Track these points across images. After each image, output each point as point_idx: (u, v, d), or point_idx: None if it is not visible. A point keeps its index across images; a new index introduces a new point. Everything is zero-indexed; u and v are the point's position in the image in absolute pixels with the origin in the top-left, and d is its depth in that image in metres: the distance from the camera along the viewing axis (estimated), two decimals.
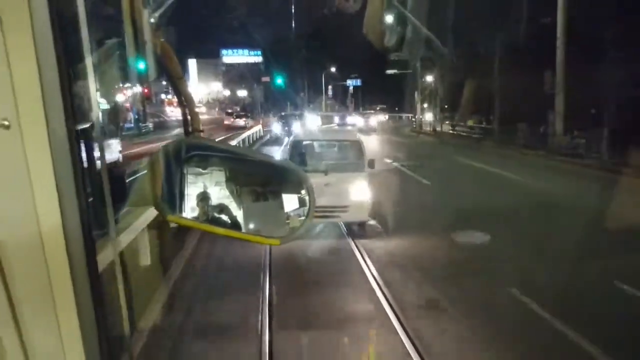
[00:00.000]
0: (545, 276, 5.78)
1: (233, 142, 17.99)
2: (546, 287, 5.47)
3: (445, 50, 28.31)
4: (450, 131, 28.75)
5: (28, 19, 0.79)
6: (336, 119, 38.13)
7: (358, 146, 8.56)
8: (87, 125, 0.98)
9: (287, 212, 1.50)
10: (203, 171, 1.47)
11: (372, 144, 22.07)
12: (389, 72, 49.08)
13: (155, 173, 1.28)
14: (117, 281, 1.28)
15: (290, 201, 1.50)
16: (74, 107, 0.88)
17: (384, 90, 55.24)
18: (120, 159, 14.07)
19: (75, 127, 0.88)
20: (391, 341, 4.54)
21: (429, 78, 39.89)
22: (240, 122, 40.76)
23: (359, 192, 7.69)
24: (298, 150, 8.43)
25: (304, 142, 9.04)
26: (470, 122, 27.68)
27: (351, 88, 63.74)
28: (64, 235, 0.84)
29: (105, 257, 1.16)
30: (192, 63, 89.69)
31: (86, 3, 1.04)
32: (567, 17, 16.87)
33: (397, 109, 57.11)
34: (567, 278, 5.59)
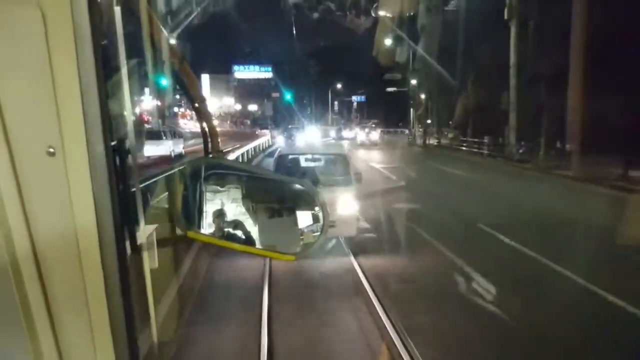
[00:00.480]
0: (435, 220, 10.03)
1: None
2: (433, 223, 9.68)
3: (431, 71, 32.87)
4: (435, 143, 33.03)
5: (72, 43, 0.83)
6: (332, 133, 41.54)
7: (344, 160, 8.59)
8: (121, 140, 1.02)
9: (301, 229, 1.57)
10: (221, 189, 1.53)
11: (368, 154, 26.44)
12: (389, 89, 53.78)
13: (176, 191, 1.34)
14: (148, 293, 1.37)
15: (304, 218, 1.57)
16: (111, 124, 0.92)
17: (386, 106, 59.64)
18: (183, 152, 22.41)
19: (111, 143, 0.91)
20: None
21: (423, 96, 44.17)
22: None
23: (346, 206, 7.56)
24: (283, 165, 8.35)
25: (290, 157, 8.98)
26: (450, 135, 32.05)
27: (355, 104, 68.22)
28: (99, 249, 0.88)
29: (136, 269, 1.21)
30: (205, 78, 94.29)
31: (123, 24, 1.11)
32: (518, 53, 21.29)
33: (400, 124, 60.83)
34: (456, 220, 9.86)
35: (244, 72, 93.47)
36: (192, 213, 1.40)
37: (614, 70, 15.07)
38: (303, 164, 8.76)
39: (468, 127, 29.13)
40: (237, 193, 1.55)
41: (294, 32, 55.05)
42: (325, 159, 8.99)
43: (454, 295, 6.00)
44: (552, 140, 19.88)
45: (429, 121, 35.90)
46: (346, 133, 43.07)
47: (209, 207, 1.49)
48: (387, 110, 61.82)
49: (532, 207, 11.42)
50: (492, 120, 24.44)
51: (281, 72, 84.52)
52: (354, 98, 72.16)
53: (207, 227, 1.47)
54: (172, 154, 21.17)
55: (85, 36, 0.83)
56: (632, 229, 7.60)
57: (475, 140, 26.66)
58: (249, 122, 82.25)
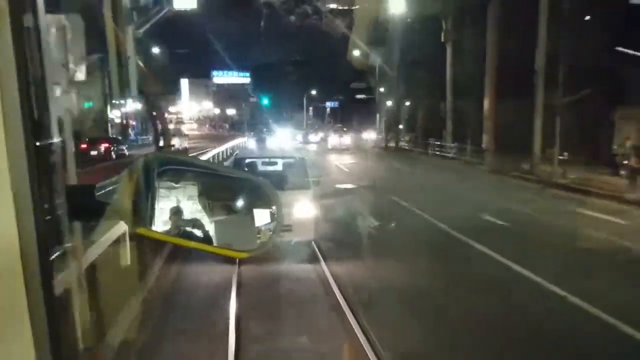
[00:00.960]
0: (364, 193, 14.28)
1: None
2: (362, 195, 13.90)
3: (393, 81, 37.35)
4: (394, 146, 37.52)
5: None
6: (299, 137, 44.33)
7: (302, 164, 8.68)
8: (53, 141, 0.96)
9: (258, 227, 1.56)
10: (176, 185, 1.50)
11: (335, 155, 30.69)
12: (358, 96, 58.35)
13: (128, 187, 1.31)
14: (74, 295, 1.29)
15: (261, 216, 1.57)
16: (36, 123, 0.88)
17: (358, 111, 64.04)
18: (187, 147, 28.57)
19: (36, 142, 0.88)
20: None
21: (389, 103, 48.65)
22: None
23: (303, 210, 7.55)
24: (239, 169, 8.02)
25: (247, 160, 8.98)
26: (406, 138, 36.64)
27: (328, 109, 72.58)
28: (20, 252, 0.83)
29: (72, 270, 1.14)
30: (184, 82, 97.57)
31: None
32: (452, 70, 25.92)
33: (380, 128, 64.67)
34: (377, 194, 14.12)
35: (222, 77, 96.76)
36: (143, 209, 1.35)
37: (516, 86, 19.63)
38: (260, 167, 8.73)
39: (421, 131, 33.68)
40: (193, 190, 1.53)
41: (271, 37, 58.90)
42: (283, 162, 8.94)
43: (355, 223, 10.29)
44: (479, 141, 24.46)
45: (401, 127, 39.93)
46: (312, 137, 45.21)
47: (164, 204, 1.46)
48: (359, 116, 66.24)
49: (440, 187, 15.87)
50: (439, 125, 29.03)
51: (259, 77, 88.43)
52: (328, 104, 76.39)
53: (163, 224, 1.44)
54: (181, 147, 27.52)
55: (5, 43, 0.80)
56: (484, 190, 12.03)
57: (426, 142, 31.20)
58: (227, 125, 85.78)
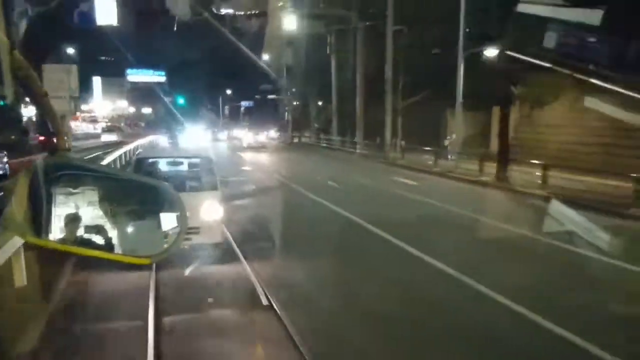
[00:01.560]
0: (262, 176, 19.31)
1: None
2: (262, 178, 18.91)
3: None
4: (297, 140, 42.98)
5: None
6: (209, 134, 46.94)
7: (209, 164, 8.43)
8: None
9: (165, 231, 1.54)
10: (74, 191, 1.43)
11: (248, 149, 35.15)
12: (270, 97, 63.36)
13: (19, 194, 1.23)
14: None
15: (168, 220, 1.55)
16: None
17: (268, 110, 68.92)
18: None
19: None
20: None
21: (295, 103, 54.11)
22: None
23: (210, 212, 7.35)
24: (142, 170, 7.78)
25: (149, 161, 8.58)
26: (306, 134, 42.19)
27: (243, 108, 76.93)
28: None
29: None
30: (96, 81, 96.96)
31: None
32: (338, 78, 31.61)
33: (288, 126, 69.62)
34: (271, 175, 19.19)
35: (137, 76, 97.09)
36: (37, 217, 1.25)
37: (378, 91, 25.54)
38: (164, 168, 8.38)
39: (316, 129, 39.30)
40: (93, 195, 1.44)
41: (187, 37, 61.78)
42: (188, 162, 8.60)
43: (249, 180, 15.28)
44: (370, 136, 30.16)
45: (316, 126, 45.08)
46: (221, 135, 48.27)
47: (61, 211, 1.36)
48: (270, 114, 71.13)
49: (312, 167, 21.26)
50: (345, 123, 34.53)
51: (175, 76, 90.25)
52: (243, 103, 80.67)
53: (58, 232, 1.34)
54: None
55: None
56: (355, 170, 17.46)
57: (329, 138, 36.72)
58: (143, 124, 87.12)
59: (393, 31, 22.92)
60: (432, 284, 6.75)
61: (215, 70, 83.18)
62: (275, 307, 5.56)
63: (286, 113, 55.97)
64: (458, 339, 5.03)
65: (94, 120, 77.43)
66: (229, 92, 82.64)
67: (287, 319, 5.20)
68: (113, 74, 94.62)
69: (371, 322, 5.48)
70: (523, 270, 7.20)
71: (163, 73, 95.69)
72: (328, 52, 31.37)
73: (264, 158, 27.88)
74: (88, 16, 24.76)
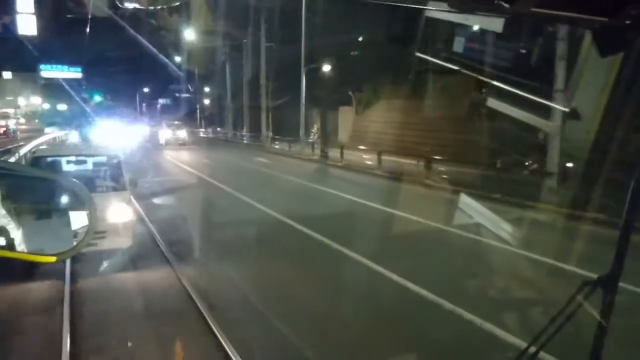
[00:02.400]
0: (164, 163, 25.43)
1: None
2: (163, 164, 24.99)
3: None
4: (212, 135, 48.96)
5: None
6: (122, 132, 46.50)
7: (116, 163, 8.03)
8: None
9: (75, 230, 1.50)
10: None
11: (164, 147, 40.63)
12: (184, 95, 68.49)
13: None
14: None
15: (78, 218, 1.50)
16: None
17: (184, 108, 73.95)
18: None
19: None
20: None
21: (206, 102, 59.92)
22: None
23: (118, 214, 6.97)
24: (40, 169, 6.96)
25: (48, 159, 7.94)
26: (218, 129, 48.38)
27: (159, 106, 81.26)
28: None
29: None
30: (7, 76, 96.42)
31: None
32: (247, 83, 38.05)
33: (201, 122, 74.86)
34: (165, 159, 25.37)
35: (51, 72, 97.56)
36: None
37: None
38: (65, 167, 7.83)
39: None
40: None
41: (104, 34, 65.27)
42: (93, 161, 8.16)
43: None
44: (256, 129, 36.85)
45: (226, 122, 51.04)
46: (129, 131, 44.52)
47: None
48: (185, 112, 76.13)
49: (209, 153, 27.64)
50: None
51: (92, 73, 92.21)
52: (160, 101, 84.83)
53: None
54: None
55: None
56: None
57: (226, 132, 43.01)
58: (58, 120, 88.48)
59: (266, 47, 29.84)
60: (241, 208, 13.54)
61: (132, 68, 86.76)
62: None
63: (197, 111, 61.67)
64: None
65: (5, 116, 78.17)
66: (146, 90, 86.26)
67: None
68: (25, 68, 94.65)
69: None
70: (298, 200, 14.18)
71: (79, 69, 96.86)
72: (223, 60, 37.79)
73: (174, 151, 33.77)
74: (9, 27, 28.77)
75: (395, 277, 6.46)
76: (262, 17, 29.45)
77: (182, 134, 37.32)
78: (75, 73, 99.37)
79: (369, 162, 19.91)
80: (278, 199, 12.94)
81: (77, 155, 8.28)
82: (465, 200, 9.77)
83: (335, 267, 7.24)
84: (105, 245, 6.75)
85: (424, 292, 5.91)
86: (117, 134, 39.70)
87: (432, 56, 18.56)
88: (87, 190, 1.50)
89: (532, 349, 1.54)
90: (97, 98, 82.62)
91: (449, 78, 19.39)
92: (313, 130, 30.41)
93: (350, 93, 27.69)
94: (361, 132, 27.33)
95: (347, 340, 4.87)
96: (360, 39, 25.51)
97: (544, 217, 10.41)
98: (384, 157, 18.96)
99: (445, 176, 15.38)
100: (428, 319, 5.43)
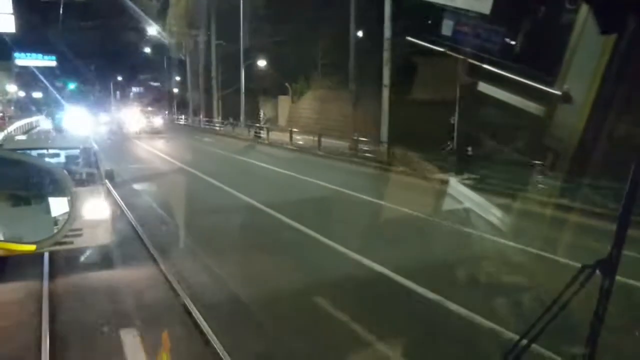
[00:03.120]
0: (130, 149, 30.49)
1: None
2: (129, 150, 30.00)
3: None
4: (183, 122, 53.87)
5: None
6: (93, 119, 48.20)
7: (91, 154, 7.66)
8: None
9: (55, 217, 1.45)
10: None
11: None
12: (154, 84, 73.00)
13: None
14: None
15: (58, 205, 1.45)
16: None
17: (155, 96, 78.31)
18: None
19: None
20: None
21: (175, 90, 64.59)
22: None
23: (95, 210, 6.62)
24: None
25: (17, 151, 7.16)
26: (182, 116, 53.29)
27: (131, 94, 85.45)
28: None
29: None
30: None
31: None
32: (203, 75, 43.06)
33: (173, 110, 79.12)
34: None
35: (26, 60, 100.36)
36: None
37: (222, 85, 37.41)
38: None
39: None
40: None
41: (78, 23, 68.77)
42: (66, 154, 7.81)
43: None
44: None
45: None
46: (102, 118, 50.01)
47: None
48: (157, 100, 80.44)
49: (167, 135, 32.77)
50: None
51: (67, 61, 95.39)
52: (134, 89, 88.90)
53: None
54: None
55: None
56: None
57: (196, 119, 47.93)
58: (34, 108, 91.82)
59: (217, 44, 34.96)
60: (174, 168, 18.83)
61: (107, 57, 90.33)
62: None
63: (168, 99, 66.27)
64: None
65: None
66: (120, 78, 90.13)
67: None
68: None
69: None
70: (214, 163, 19.53)
71: (54, 57, 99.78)
72: (184, 54, 42.76)
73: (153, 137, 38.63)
74: None
75: (244, 197, 11.98)
76: (213, 17, 34.54)
77: (157, 121, 36.18)
78: (49, 61, 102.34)
79: (286, 140, 25.33)
80: (202, 162, 18.41)
81: (48, 148, 7.90)
82: (330, 163, 15.39)
83: (212, 194, 12.65)
84: (81, 243, 6.49)
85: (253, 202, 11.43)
86: (89, 122, 40.08)
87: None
88: (68, 175, 1.52)
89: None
90: (71, 86, 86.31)
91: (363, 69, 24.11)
92: (261, 117, 35.64)
93: (287, 84, 32.96)
94: (295, 118, 32.68)
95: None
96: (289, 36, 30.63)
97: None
98: (303, 136, 24.58)
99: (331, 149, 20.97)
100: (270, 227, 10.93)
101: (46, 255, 6.83)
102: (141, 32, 56.50)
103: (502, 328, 4.82)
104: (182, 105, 55.82)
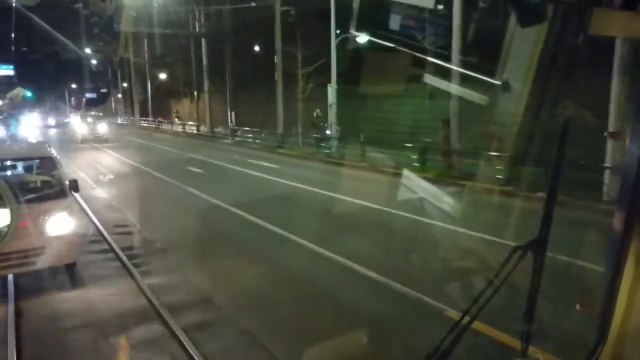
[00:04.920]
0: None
1: None
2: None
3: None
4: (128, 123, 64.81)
5: None
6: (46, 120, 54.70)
7: (52, 164, 7.03)
8: None
9: None
10: None
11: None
12: (103, 90, 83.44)
13: None
14: None
15: (1, 216, 1.50)
16: None
17: (106, 101, 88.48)
18: None
19: None
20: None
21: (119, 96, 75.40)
22: None
23: (59, 225, 6.13)
24: None
25: None
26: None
27: (84, 100, 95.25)
28: None
29: None
30: None
31: None
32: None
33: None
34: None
35: None
36: None
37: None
38: None
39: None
40: None
41: (34, 33, 78.09)
42: (24, 165, 7.34)
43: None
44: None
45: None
46: (50, 121, 55.55)
47: None
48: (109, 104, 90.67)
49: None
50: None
51: (24, 71, 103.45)
52: (87, 95, 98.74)
53: None
54: None
55: None
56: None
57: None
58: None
59: (134, 61, 46.53)
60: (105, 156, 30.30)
61: (62, 65, 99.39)
62: None
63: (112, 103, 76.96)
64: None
65: None
66: (74, 86, 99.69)
67: None
68: None
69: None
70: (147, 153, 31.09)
71: (11, 67, 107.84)
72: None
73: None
74: None
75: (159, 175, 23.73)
76: (131, 40, 46.17)
77: (102, 128, 33.02)
78: (7, 70, 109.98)
79: (178, 130, 37.03)
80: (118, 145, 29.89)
81: (3, 160, 7.27)
82: (184, 139, 27.34)
83: (122, 166, 24.24)
84: (43, 263, 5.97)
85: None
86: (43, 127, 44.76)
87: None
88: (6, 184, 1.56)
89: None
90: (28, 94, 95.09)
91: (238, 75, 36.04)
92: (174, 113, 47.22)
93: (186, 90, 44.80)
94: (192, 114, 44.55)
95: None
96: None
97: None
98: (190, 126, 36.64)
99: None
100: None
101: (10, 277, 6.24)
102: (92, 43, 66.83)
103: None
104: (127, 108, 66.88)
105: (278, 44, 23.27)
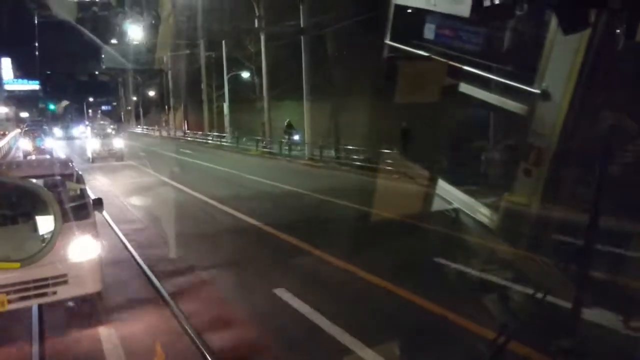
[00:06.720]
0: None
1: None
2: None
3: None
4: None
5: None
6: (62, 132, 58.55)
7: (75, 182, 6.72)
8: None
9: (42, 234, 1.55)
10: None
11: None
12: (114, 104, 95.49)
13: None
14: None
15: (45, 222, 1.52)
16: None
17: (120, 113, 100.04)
18: None
19: None
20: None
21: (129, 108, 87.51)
22: None
23: (82, 250, 5.62)
24: None
25: None
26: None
27: (99, 112, 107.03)
28: None
29: None
30: None
31: None
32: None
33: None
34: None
35: (13, 85, 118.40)
36: None
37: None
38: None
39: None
40: None
41: (58, 51, 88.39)
42: (44, 183, 6.42)
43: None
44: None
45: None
46: (76, 132, 59.65)
47: None
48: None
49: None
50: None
51: (48, 85, 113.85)
52: (103, 107, 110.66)
53: None
54: None
55: None
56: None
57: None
58: (23, 126, 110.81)
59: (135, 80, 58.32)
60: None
61: (82, 80, 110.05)
62: None
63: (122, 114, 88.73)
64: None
65: None
66: (91, 99, 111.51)
67: None
68: None
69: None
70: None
71: (37, 82, 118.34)
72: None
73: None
74: None
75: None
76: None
77: (117, 144, 27.68)
78: (33, 86, 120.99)
79: (165, 134, 48.20)
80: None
81: (26, 177, 6.18)
82: (162, 141, 38.66)
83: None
84: (65, 294, 5.45)
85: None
86: (66, 141, 48.02)
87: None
88: (49, 191, 1.49)
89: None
90: (52, 107, 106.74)
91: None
92: (166, 121, 58.70)
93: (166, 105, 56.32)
94: (180, 122, 55.90)
95: None
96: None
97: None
98: (176, 132, 47.99)
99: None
100: None
101: (34, 310, 5.92)
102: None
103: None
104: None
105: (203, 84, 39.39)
